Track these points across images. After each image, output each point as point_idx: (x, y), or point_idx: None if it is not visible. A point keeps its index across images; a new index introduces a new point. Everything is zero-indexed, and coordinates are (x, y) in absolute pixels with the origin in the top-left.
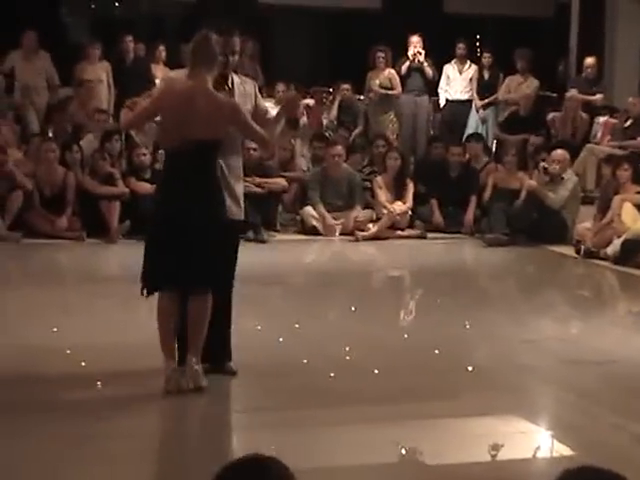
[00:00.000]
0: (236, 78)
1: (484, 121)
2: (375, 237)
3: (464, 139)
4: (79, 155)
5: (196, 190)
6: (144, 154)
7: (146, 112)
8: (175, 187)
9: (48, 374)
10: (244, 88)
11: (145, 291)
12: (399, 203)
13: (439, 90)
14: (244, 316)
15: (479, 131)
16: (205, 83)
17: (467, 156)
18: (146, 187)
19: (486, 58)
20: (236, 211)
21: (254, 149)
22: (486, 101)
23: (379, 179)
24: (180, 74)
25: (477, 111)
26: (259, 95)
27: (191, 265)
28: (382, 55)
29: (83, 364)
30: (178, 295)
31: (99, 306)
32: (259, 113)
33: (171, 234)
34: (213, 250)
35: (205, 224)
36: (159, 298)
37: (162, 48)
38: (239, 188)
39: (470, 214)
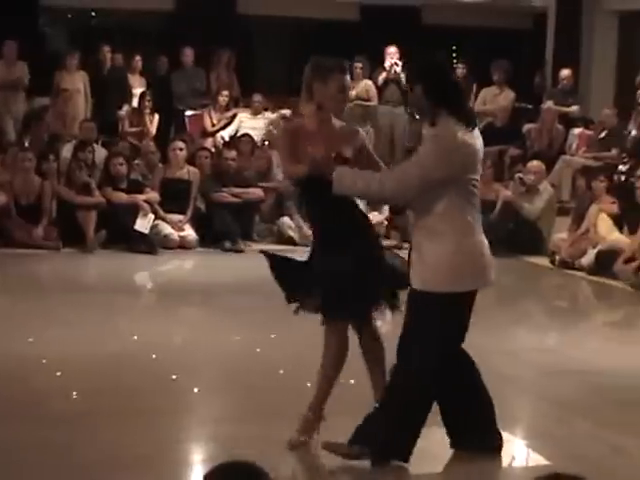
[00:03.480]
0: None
1: None
2: None
3: None
4: (56, 165)
5: None
6: (121, 164)
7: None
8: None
9: (23, 383)
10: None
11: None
12: (375, 213)
13: None
14: (222, 326)
15: None
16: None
17: None
18: (122, 197)
19: (460, 69)
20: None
21: (232, 159)
22: None
23: None
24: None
25: None
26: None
27: None
28: (359, 66)
29: (58, 374)
30: None
31: (75, 316)
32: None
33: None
34: None
35: None
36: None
37: (139, 58)
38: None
39: None
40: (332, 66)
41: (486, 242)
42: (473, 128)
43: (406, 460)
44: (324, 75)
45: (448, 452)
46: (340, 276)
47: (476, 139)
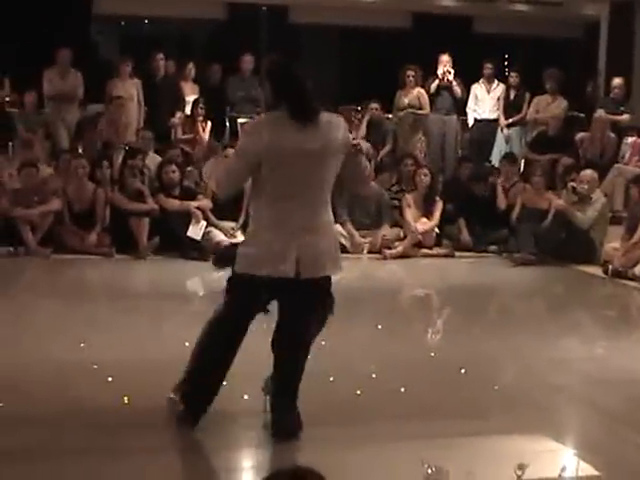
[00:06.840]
0: None
1: (508, 140)
2: (403, 255)
3: (499, 159)
4: (109, 172)
5: None
6: (173, 171)
7: None
8: None
9: (75, 389)
10: None
11: None
12: (424, 220)
13: (467, 110)
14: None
15: (503, 150)
16: None
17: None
18: (175, 204)
19: (513, 78)
20: None
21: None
22: (510, 120)
23: (408, 197)
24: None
25: (501, 130)
26: None
27: None
28: (412, 74)
29: (110, 379)
30: None
31: (127, 322)
32: None
33: None
34: None
35: None
36: None
37: (191, 66)
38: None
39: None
40: None
41: (279, 237)
42: (305, 125)
43: (195, 415)
44: None
45: (496, 463)
46: None
47: (295, 135)
